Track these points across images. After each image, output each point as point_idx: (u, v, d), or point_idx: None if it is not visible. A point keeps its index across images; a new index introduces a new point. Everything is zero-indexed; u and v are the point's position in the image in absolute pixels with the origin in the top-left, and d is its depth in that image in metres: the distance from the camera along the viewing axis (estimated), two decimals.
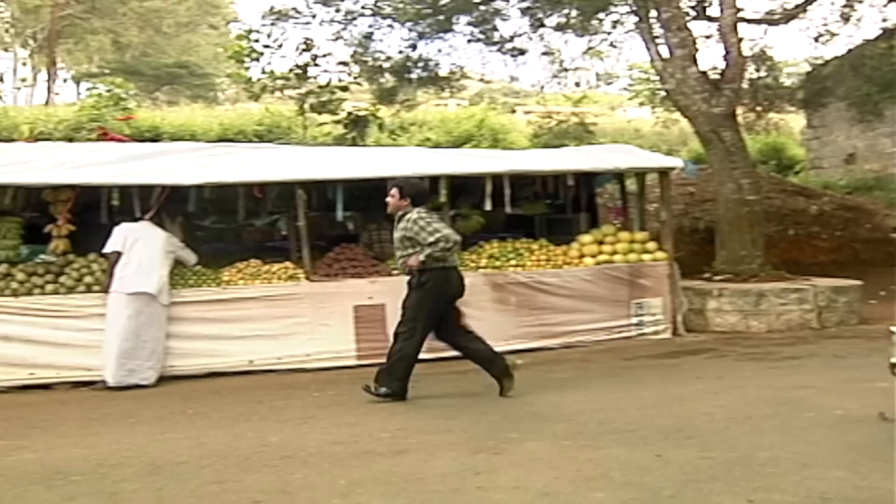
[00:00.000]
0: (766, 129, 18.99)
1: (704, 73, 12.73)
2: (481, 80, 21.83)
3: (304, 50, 16.13)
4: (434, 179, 10.21)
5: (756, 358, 9.36)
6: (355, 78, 17.01)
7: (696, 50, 12.67)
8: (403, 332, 7.58)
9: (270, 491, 5.02)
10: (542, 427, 6.40)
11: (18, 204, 9.66)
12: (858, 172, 21.15)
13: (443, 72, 16.94)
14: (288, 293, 9.61)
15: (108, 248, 9.03)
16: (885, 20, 16.02)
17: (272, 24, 15.97)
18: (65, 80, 45.62)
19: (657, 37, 12.94)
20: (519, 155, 12.23)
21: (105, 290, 8.97)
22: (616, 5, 14.92)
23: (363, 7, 15.83)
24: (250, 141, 18.00)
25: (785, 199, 17.22)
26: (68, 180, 9.27)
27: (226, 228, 11.57)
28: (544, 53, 17.37)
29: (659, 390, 7.74)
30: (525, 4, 15.59)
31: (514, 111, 36.43)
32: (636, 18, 13.70)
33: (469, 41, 16.35)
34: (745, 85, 14.36)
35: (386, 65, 16.67)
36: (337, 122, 16.70)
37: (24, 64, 41.88)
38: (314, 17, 15.92)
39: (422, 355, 7.67)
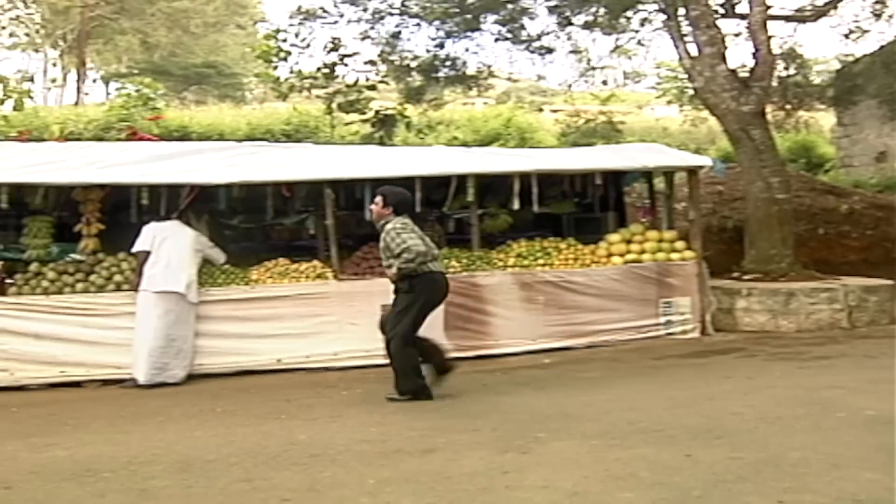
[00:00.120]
0: (795, 127, 18.82)
1: (733, 71, 12.65)
2: (508, 78, 21.78)
3: (331, 49, 16.19)
4: (462, 178, 10.22)
5: (786, 358, 9.29)
6: (383, 77, 17.02)
7: (725, 48, 12.59)
8: (391, 338, 7.57)
9: (299, 489, 5.03)
10: (570, 426, 6.38)
11: (49, 203, 9.75)
12: (889, 171, 20.89)
13: (470, 70, 16.89)
14: (316, 292, 9.63)
15: (136, 248, 9.09)
16: None
17: (300, 24, 16.05)
18: (94, 81, 46.05)
19: (685, 35, 12.87)
20: (547, 154, 12.19)
21: (134, 289, 9.02)
22: (644, 3, 14.83)
23: (390, 6, 15.84)
24: (278, 140, 18.04)
25: (815, 197, 17.04)
26: (98, 179, 9.35)
27: (254, 227, 11.62)
28: (572, 52, 17.29)
29: (688, 390, 7.69)
30: (553, 3, 15.53)
31: (540, 110, 36.41)
32: (664, 16, 13.62)
33: (496, 40, 16.32)
34: (774, 83, 14.24)
35: (413, 64, 16.65)
36: (364, 121, 16.74)
37: (55, 64, 42.29)
38: (342, 16, 15.96)
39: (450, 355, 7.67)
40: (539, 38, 16.35)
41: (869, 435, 5.78)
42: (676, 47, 12.97)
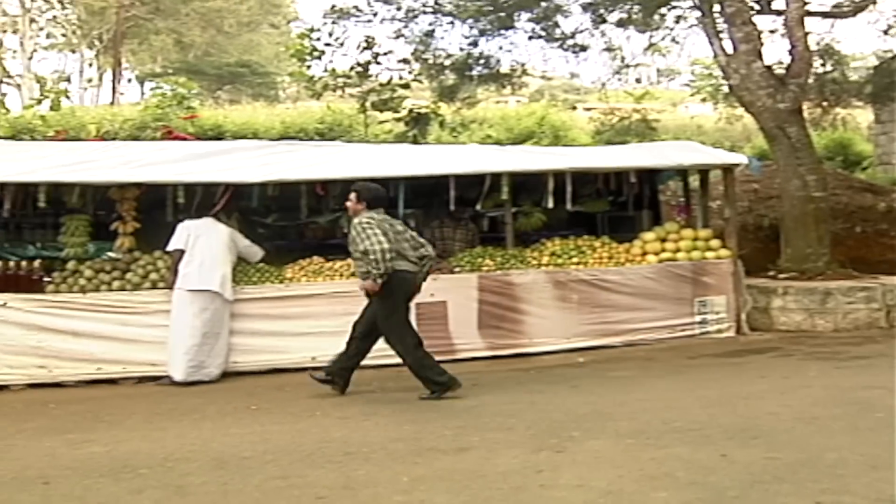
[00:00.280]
0: (832, 124, 18.66)
1: (769, 68, 12.54)
2: (542, 76, 21.69)
3: (365, 48, 16.20)
4: (496, 177, 10.20)
5: (822, 357, 9.21)
6: (416, 75, 17.04)
7: (761, 44, 12.48)
8: (391, 343, 7.74)
9: (334, 486, 5.05)
10: (604, 425, 6.37)
11: (86, 202, 9.83)
12: None
13: (504, 69, 16.87)
14: (350, 290, 9.61)
15: (171, 246, 9.13)
16: None
17: (333, 23, 16.09)
18: (129, 80, 46.49)
19: (721, 32, 12.77)
20: (581, 152, 12.15)
21: (170, 287, 9.09)
22: (679, 0, 14.77)
23: (424, 5, 15.85)
24: (312, 139, 18.11)
25: (852, 195, 16.85)
26: (134, 178, 9.41)
27: (288, 226, 11.67)
28: (606, 49, 17.24)
29: (723, 389, 7.65)
30: (587, 0, 15.49)
31: (574, 108, 36.31)
32: (699, 13, 13.54)
33: (530, 38, 16.29)
34: (811, 80, 14.11)
35: (447, 62, 16.65)
36: (398, 119, 16.74)
37: (91, 65, 42.65)
38: (375, 15, 15.99)
39: (479, 353, 7.64)
40: (573, 35, 16.31)
41: None
42: (711, 44, 12.88)
